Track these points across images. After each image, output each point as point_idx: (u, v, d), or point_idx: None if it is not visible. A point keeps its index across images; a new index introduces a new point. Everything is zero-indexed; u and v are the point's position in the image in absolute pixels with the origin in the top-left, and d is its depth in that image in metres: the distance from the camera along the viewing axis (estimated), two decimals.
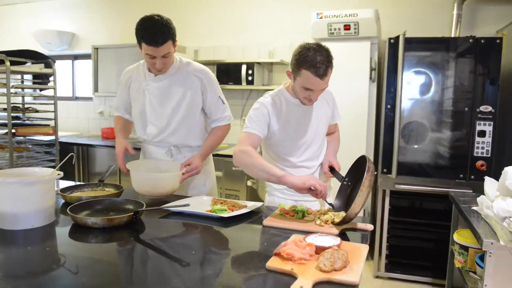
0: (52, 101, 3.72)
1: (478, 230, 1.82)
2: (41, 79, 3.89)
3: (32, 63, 3.71)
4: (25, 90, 4.10)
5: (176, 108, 2.00)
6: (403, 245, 3.13)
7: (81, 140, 4.29)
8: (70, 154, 1.78)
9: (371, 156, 3.24)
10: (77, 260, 1.21)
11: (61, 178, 1.88)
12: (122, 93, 2.14)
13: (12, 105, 3.41)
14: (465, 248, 2.23)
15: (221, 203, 1.74)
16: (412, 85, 3.00)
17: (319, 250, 1.18)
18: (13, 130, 3.41)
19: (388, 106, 3.01)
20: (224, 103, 2.09)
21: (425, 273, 3.05)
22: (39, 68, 3.66)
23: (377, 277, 3.15)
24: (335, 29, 3.16)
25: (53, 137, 3.78)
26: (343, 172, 1.80)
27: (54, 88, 3.73)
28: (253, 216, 1.65)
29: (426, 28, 3.43)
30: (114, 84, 4.16)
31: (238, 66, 3.75)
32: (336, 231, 1.43)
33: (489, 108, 2.82)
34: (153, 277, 1.09)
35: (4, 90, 3.30)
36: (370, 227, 1.52)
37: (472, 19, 3.38)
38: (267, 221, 1.53)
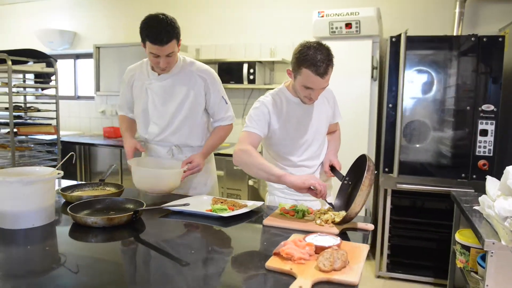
0: (54, 100, 3.73)
1: (479, 230, 1.81)
2: (43, 78, 3.91)
3: (34, 62, 3.72)
4: (27, 89, 4.12)
5: (179, 107, 1.99)
6: (405, 244, 3.11)
7: (83, 139, 4.29)
8: (70, 153, 1.78)
9: (372, 155, 3.23)
10: (77, 260, 1.21)
11: (63, 178, 1.88)
12: (125, 92, 2.13)
13: (14, 104, 3.42)
14: (467, 248, 2.22)
15: (221, 202, 1.74)
16: (414, 84, 2.98)
17: (319, 250, 1.18)
18: (15, 130, 3.42)
19: (390, 105, 2.99)
20: (227, 103, 2.09)
21: (427, 273, 3.04)
22: (41, 67, 3.66)
23: (378, 276, 3.14)
24: (336, 28, 3.15)
25: (55, 137, 3.79)
26: (344, 171, 1.80)
27: (56, 87, 3.74)
28: (253, 216, 1.64)
29: (428, 26, 3.42)
30: (116, 83, 4.16)
31: (239, 65, 3.75)
32: (336, 230, 1.43)
33: (491, 107, 2.81)
34: (153, 277, 1.10)
35: (6, 90, 3.31)
36: (370, 226, 1.51)
37: (474, 17, 3.36)
38: (267, 221, 1.53)
